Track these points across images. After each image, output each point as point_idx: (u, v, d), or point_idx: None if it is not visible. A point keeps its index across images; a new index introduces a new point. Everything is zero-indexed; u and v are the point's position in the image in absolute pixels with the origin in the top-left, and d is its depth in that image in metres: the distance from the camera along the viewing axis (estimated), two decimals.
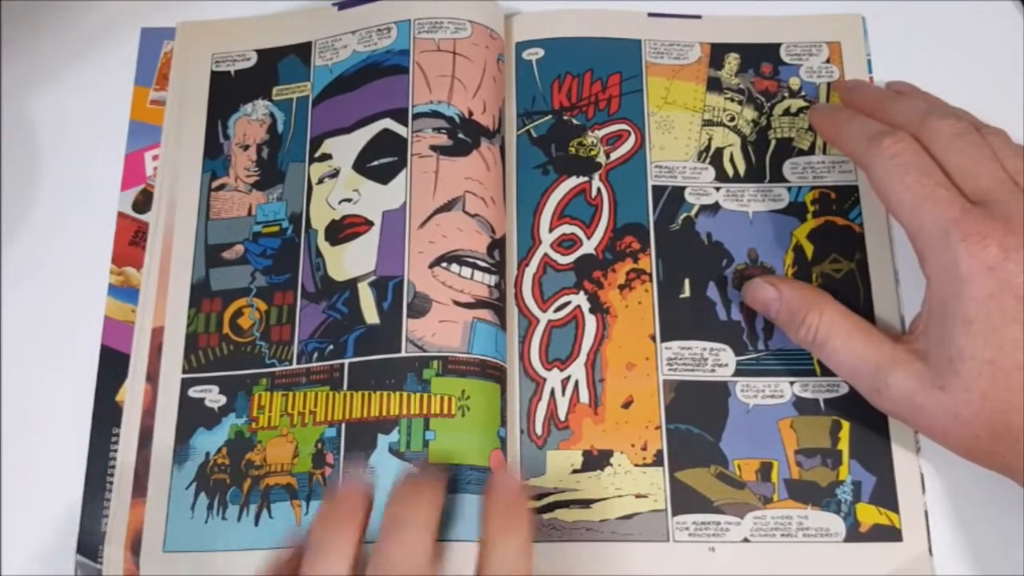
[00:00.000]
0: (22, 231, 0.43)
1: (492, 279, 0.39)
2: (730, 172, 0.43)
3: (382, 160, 0.41)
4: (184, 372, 0.40)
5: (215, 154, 0.43)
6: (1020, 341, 0.32)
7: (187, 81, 0.45)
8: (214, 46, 0.45)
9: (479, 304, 0.38)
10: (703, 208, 0.42)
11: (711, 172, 0.42)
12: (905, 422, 0.35)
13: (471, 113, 0.41)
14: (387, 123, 0.41)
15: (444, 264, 0.39)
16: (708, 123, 0.43)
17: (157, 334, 0.41)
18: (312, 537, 0.31)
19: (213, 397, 0.39)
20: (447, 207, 0.40)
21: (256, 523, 0.37)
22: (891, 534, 0.37)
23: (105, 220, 0.43)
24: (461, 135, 0.41)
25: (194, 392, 0.40)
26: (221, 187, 0.43)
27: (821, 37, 0.45)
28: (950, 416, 0.33)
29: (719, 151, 0.43)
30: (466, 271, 0.39)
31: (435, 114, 0.41)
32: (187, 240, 0.42)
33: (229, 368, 0.40)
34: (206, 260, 0.42)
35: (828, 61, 0.44)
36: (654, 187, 0.42)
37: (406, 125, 0.41)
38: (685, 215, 0.42)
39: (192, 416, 0.39)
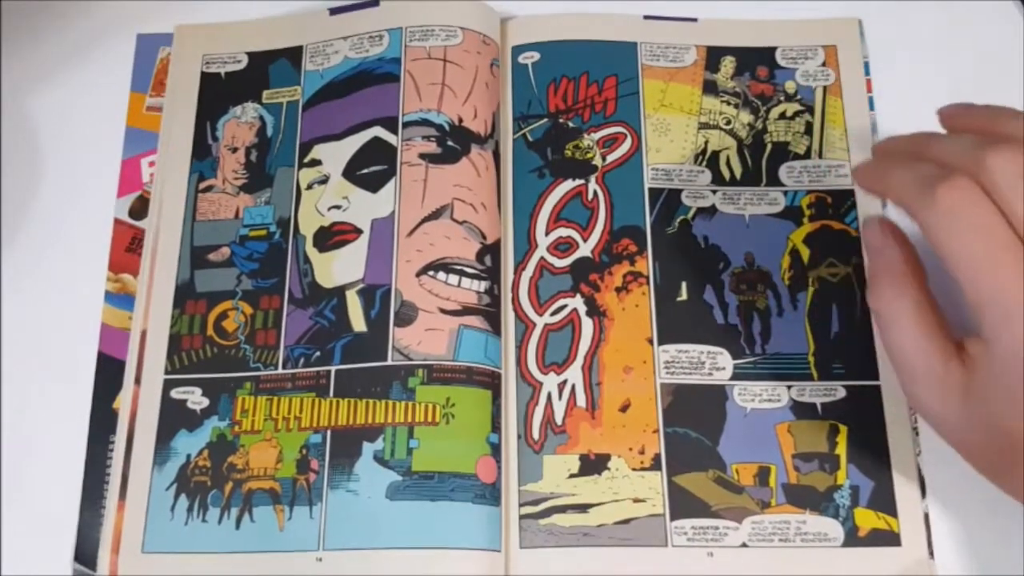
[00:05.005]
0: (20, 236, 0.43)
1: (482, 285, 0.39)
2: (727, 175, 0.42)
3: (372, 168, 0.41)
4: (167, 373, 0.40)
5: (203, 156, 0.43)
6: None
7: (178, 82, 0.45)
8: (206, 47, 0.45)
9: (466, 311, 0.39)
10: (700, 211, 0.42)
11: (708, 175, 0.42)
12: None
13: (461, 120, 0.41)
14: (377, 131, 0.42)
15: (431, 272, 0.39)
16: (704, 126, 0.43)
17: (145, 336, 0.41)
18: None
19: (196, 399, 0.39)
20: (435, 215, 0.40)
21: (237, 527, 0.37)
22: (890, 539, 0.37)
23: (102, 226, 0.43)
24: (450, 142, 0.41)
25: (176, 393, 0.39)
26: (208, 189, 0.43)
27: (817, 41, 0.45)
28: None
29: (716, 154, 0.43)
30: (453, 278, 0.39)
31: (425, 122, 0.41)
32: (173, 241, 0.42)
33: (213, 370, 0.40)
34: (191, 262, 0.41)
35: (824, 65, 0.44)
36: (651, 189, 0.42)
37: (396, 133, 0.41)
38: (682, 218, 0.41)
39: (174, 417, 0.39)
